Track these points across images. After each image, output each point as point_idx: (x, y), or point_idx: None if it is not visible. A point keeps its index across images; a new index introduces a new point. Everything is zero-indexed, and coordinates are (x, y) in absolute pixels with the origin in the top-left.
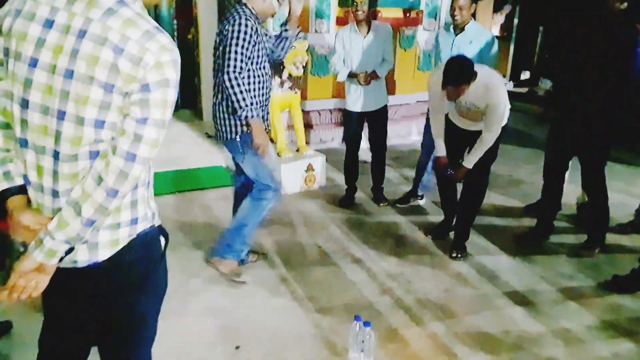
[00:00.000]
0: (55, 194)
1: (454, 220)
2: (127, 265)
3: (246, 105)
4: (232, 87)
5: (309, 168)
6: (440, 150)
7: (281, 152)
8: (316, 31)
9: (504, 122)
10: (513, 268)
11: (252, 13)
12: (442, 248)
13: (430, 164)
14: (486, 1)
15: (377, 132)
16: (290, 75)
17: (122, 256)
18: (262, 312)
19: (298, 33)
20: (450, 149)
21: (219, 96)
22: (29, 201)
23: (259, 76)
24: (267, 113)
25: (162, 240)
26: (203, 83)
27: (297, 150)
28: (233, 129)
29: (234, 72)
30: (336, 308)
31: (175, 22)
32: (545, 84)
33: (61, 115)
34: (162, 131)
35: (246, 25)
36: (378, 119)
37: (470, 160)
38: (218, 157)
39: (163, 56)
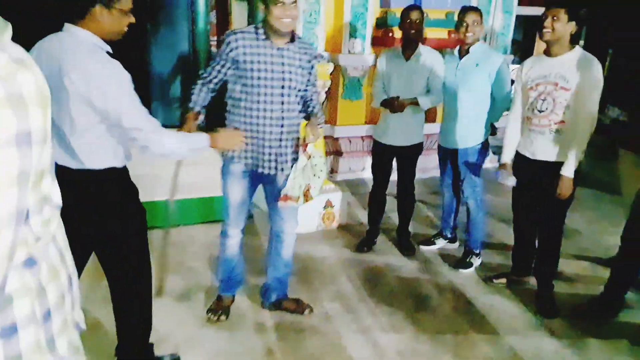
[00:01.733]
0: None
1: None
2: None
3: (192, 96)
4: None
5: (328, 205)
6: (507, 155)
7: None
8: (349, 52)
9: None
10: (558, 354)
11: (256, 28)
12: (470, 317)
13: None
14: None
15: (404, 170)
16: None
17: None
18: None
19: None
20: (522, 193)
21: None
22: None
23: (242, 103)
24: (277, 162)
25: None
26: None
27: None
28: None
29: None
30: None
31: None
32: (613, 112)
33: None
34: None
35: (222, 41)
36: (407, 157)
37: (569, 168)
38: None
39: None
